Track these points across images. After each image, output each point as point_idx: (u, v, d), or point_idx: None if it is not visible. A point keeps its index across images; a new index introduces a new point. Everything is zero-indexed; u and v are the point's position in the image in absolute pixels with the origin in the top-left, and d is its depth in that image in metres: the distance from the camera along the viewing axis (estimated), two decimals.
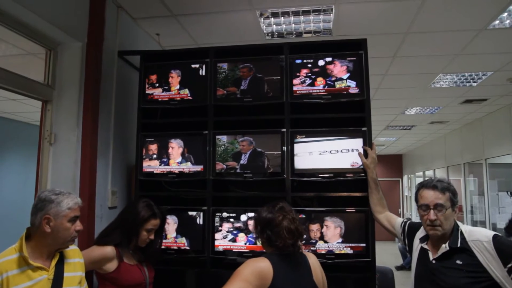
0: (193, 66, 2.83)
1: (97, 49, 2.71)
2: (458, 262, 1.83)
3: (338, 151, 2.59)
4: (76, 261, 1.85)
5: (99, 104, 2.70)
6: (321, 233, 2.52)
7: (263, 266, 1.71)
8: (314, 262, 1.89)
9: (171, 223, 2.67)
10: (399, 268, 8.49)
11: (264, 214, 1.88)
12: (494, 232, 1.83)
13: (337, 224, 2.51)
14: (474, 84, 5.37)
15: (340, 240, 2.50)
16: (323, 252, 2.50)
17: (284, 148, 2.62)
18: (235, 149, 2.68)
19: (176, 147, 2.75)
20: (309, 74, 2.67)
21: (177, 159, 2.73)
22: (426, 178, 2.09)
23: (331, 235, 2.51)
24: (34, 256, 1.66)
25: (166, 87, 2.83)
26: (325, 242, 2.51)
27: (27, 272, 1.62)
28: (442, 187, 1.91)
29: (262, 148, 2.65)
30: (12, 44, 3.19)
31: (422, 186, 2.00)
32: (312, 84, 2.66)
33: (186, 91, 2.80)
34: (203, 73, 2.80)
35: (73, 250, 1.87)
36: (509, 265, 1.70)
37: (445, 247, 1.87)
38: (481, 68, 4.77)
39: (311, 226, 2.52)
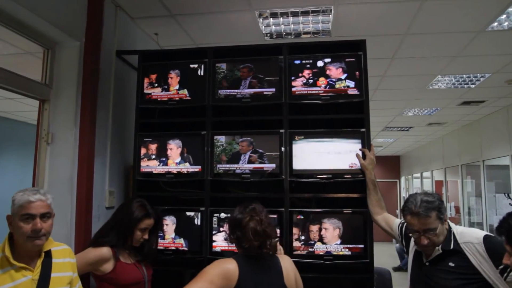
0: (191, 66, 2.82)
1: (95, 48, 2.70)
2: (451, 264, 1.83)
3: (336, 152, 2.58)
4: (66, 261, 1.80)
5: (96, 103, 2.69)
6: (320, 234, 2.51)
7: (229, 267, 1.71)
8: (287, 265, 1.85)
9: (170, 224, 2.66)
10: (396, 269, 8.50)
11: (235, 214, 1.87)
12: (484, 233, 1.83)
13: (335, 226, 2.50)
14: (472, 86, 5.38)
15: (339, 241, 2.50)
16: (321, 253, 2.49)
17: (283, 148, 2.61)
18: (233, 149, 2.67)
19: (175, 148, 2.74)
20: (310, 75, 2.66)
21: (176, 160, 2.72)
22: (414, 192, 2.05)
23: (330, 237, 2.50)
24: (18, 256, 1.62)
25: (165, 87, 2.82)
26: (324, 243, 2.50)
27: (10, 272, 1.58)
28: (426, 209, 1.84)
29: (260, 149, 2.64)
30: (9, 43, 3.18)
31: (406, 211, 1.92)
32: (313, 85, 2.65)
33: (185, 91, 2.79)
34: (202, 73, 2.79)
35: (63, 250, 1.83)
36: (501, 267, 1.70)
37: (437, 249, 1.88)
38: (480, 70, 4.78)
39: (311, 227, 2.52)
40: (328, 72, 2.65)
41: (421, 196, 1.89)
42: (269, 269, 1.80)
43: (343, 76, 2.63)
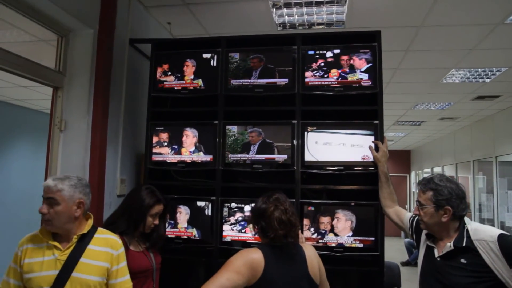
0: (204, 56, 2.81)
1: (108, 36, 2.70)
2: (463, 261, 1.81)
3: (349, 144, 2.56)
4: (105, 250, 1.78)
5: (109, 91, 2.70)
6: (332, 225, 2.51)
7: (255, 257, 1.71)
8: (311, 254, 1.87)
9: (183, 213, 2.68)
10: (404, 264, 8.47)
11: (259, 204, 1.87)
12: (499, 231, 1.79)
13: (348, 217, 2.49)
14: (488, 80, 5.29)
15: (350, 233, 2.49)
16: (333, 245, 2.49)
17: (295, 140, 2.60)
18: (245, 139, 2.66)
19: (190, 136, 2.74)
20: (322, 66, 2.64)
21: (190, 148, 2.73)
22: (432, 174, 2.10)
23: (341, 228, 2.49)
24: (57, 234, 1.73)
25: (179, 76, 2.81)
26: (336, 235, 2.50)
27: (43, 248, 1.70)
28: (424, 185, 1.96)
29: (272, 139, 2.63)
30: (24, 30, 3.19)
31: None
32: (325, 76, 2.63)
33: (200, 81, 2.78)
34: (214, 63, 2.78)
35: (106, 238, 1.82)
36: None
37: (449, 246, 1.85)
38: (496, 64, 4.69)
39: (321, 218, 2.51)
40: (343, 62, 2.62)
41: (440, 176, 1.95)
42: (294, 258, 1.81)
43: (363, 68, 2.60)
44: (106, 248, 1.79)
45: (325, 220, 2.51)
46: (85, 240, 1.76)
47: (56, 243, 1.70)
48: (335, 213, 2.51)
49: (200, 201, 2.68)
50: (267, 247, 1.78)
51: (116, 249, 1.83)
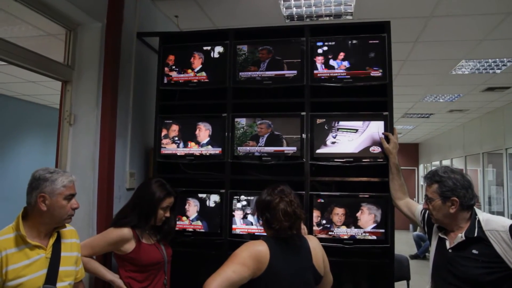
0: (210, 48, 2.79)
1: (116, 30, 2.69)
2: (474, 251, 1.80)
3: (358, 136, 2.54)
4: (73, 241, 1.86)
5: (118, 85, 2.69)
6: (344, 217, 2.49)
7: (260, 249, 1.72)
8: (315, 246, 1.88)
9: (192, 205, 2.68)
10: (413, 257, 8.45)
11: (263, 196, 1.88)
12: (511, 222, 1.78)
13: (372, 211, 2.47)
14: (498, 71, 5.23)
15: (374, 225, 2.47)
16: (344, 237, 2.48)
17: (304, 133, 2.59)
18: (254, 132, 2.65)
19: (203, 129, 2.74)
20: (330, 57, 2.62)
21: (203, 141, 2.73)
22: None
23: (364, 221, 2.48)
24: (31, 235, 1.67)
25: (186, 69, 2.81)
26: (347, 227, 2.48)
27: (25, 251, 1.63)
28: (429, 178, 1.97)
29: (281, 131, 2.62)
30: (32, 25, 3.20)
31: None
32: (333, 67, 2.61)
33: (203, 73, 2.77)
34: (222, 55, 2.77)
35: (70, 230, 1.88)
36: None
37: (461, 236, 1.84)
38: (506, 54, 4.63)
39: (334, 210, 2.50)
40: (344, 55, 2.62)
41: (444, 168, 1.95)
42: (299, 250, 1.82)
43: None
44: (72, 239, 1.88)
45: (339, 211, 2.50)
46: (58, 235, 1.79)
47: (37, 243, 1.67)
48: (360, 206, 2.49)
49: (209, 194, 2.68)
50: (272, 239, 1.79)
51: (78, 238, 1.93)
